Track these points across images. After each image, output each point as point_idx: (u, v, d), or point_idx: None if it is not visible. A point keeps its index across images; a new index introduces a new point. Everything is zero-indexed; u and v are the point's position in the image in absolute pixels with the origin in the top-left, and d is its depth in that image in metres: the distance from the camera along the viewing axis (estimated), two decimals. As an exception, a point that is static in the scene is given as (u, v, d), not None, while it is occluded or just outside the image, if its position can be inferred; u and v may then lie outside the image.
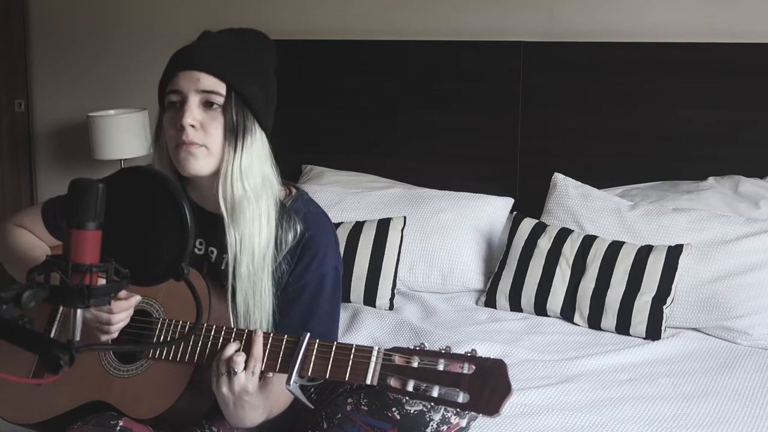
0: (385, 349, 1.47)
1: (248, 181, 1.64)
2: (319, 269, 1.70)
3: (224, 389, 1.53)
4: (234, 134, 1.63)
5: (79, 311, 1.14)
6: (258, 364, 1.52)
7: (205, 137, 1.62)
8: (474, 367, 1.39)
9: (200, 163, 1.64)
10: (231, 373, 1.52)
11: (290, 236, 1.68)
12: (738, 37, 2.92)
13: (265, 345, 1.54)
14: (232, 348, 1.54)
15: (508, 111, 3.18)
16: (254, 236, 1.65)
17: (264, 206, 1.65)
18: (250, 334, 1.55)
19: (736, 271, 2.56)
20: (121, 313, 1.60)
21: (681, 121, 2.99)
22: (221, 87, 1.62)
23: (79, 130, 3.80)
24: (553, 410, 2.08)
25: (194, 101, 1.62)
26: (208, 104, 1.62)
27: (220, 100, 1.62)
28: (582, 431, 2.00)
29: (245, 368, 1.52)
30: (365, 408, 1.61)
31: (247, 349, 1.54)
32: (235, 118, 1.63)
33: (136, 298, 1.62)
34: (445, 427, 1.57)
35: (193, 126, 1.61)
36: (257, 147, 1.66)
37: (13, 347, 1.10)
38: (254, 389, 1.53)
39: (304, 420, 1.68)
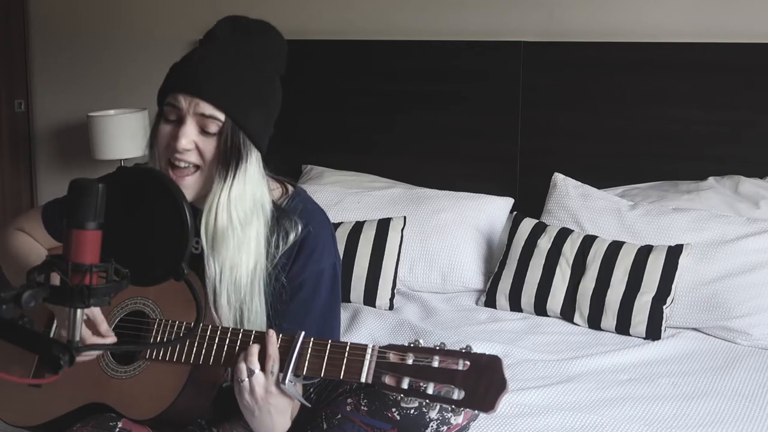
0: (380, 347, 1.47)
1: (236, 210, 1.61)
2: (316, 266, 1.69)
3: (246, 396, 1.52)
4: (226, 164, 1.61)
5: (78, 311, 1.14)
6: (276, 364, 1.51)
7: (199, 158, 1.62)
8: (469, 364, 1.39)
9: (186, 193, 1.59)
10: (250, 375, 1.51)
11: (291, 236, 1.67)
12: (738, 37, 2.92)
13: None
14: (245, 353, 1.53)
15: (508, 111, 3.18)
16: (238, 266, 1.62)
17: (252, 232, 1.63)
18: (262, 336, 1.54)
19: (736, 271, 2.56)
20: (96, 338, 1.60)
21: (681, 121, 2.99)
22: (220, 114, 1.60)
23: (79, 130, 3.80)
24: (553, 410, 2.08)
25: (191, 123, 1.60)
26: (204, 128, 1.61)
27: (217, 127, 1.60)
28: (582, 431, 2.00)
29: (263, 368, 1.51)
30: (365, 408, 1.61)
31: (262, 350, 1.53)
32: (229, 148, 1.60)
33: (111, 340, 1.62)
34: (444, 428, 1.57)
35: (188, 149, 1.60)
36: (251, 172, 1.63)
37: (14, 348, 1.10)
38: (276, 390, 1.52)
39: (304, 420, 1.68)
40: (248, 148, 1.63)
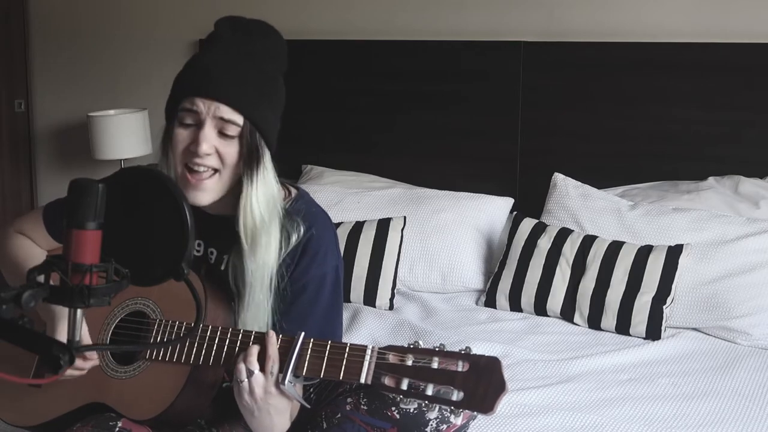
0: (380, 348, 1.47)
1: (263, 210, 1.64)
2: (319, 269, 1.70)
3: (246, 396, 1.53)
4: (249, 166, 1.63)
5: (79, 311, 1.14)
6: (276, 365, 1.52)
7: (218, 162, 1.63)
8: (468, 365, 1.39)
9: (206, 196, 1.64)
10: (249, 376, 1.51)
11: (293, 238, 1.68)
12: (737, 37, 2.92)
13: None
14: (245, 353, 1.54)
15: (508, 111, 3.18)
16: (267, 263, 1.65)
17: (274, 228, 1.66)
18: (262, 336, 1.55)
19: (736, 271, 2.56)
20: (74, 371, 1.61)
21: (681, 121, 2.99)
22: (238, 117, 1.61)
23: (79, 130, 3.81)
24: (553, 410, 2.08)
25: (210, 126, 1.61)
26: (223, 131, 1.62)
27: (237, 130, 1.62)
28: (582, 431, 2.00)
29: (262, 369, 1.52)
30: (365, 407, 1.61)
31: (262, 351, 1.53)
32: (250, 149, 1.63)
33: (93, 363, 1.63)
34: (444, 427, 1.57)
35: (208, 153, 1.61)
36: (268, 171, 1.66)
37: (14, 348, 1.10)
38: (276, 390, 1.52)
39: (304, 420, 1.68)
40: (263, 149, 1.65)
